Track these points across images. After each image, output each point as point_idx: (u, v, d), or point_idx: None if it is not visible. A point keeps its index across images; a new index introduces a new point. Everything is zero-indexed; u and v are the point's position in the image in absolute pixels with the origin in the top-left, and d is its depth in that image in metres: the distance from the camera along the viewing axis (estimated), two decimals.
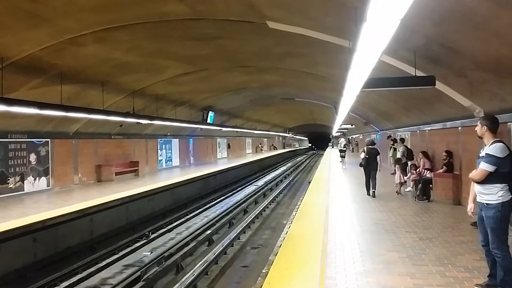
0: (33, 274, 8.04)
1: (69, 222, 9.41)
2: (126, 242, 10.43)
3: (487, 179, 3.95)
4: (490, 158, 3.95)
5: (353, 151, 34.58)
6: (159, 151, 20.72)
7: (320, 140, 76.63)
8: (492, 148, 3.98)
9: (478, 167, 4.03)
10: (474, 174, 4.08)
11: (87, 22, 7.50)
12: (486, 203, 3.98)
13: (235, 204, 16.01)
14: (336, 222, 7.58)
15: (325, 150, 51.11)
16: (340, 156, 22.34)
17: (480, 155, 4.09)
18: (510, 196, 3.89)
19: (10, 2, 6.30)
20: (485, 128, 4.12)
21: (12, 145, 11.88)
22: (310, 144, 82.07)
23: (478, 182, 4.02)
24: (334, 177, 15.82)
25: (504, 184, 3.89)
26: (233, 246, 10.10)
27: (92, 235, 10.37)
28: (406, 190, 11.08)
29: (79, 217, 9.77)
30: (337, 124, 24.84)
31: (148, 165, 19.26)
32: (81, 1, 6.55)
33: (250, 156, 35.86)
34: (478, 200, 4.09)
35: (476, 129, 4.19)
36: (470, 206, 4.34)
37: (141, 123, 15.26)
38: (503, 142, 4.00)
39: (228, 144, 33.35)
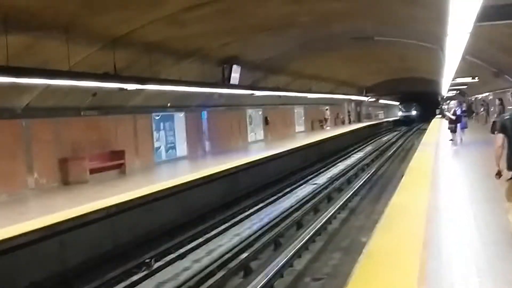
0: None
1: None
2: None
3: None
4: None
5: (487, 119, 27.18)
6: (154, 133, 17.44)
7: (421, 105, 60.19)
8: None
9: None
10: None
11: None
12: None
13: None
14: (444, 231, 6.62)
15: (429, 122, 40.52)
16: (449, 129, 18.00)
17: None
18: None
19: None
20: None
21: None
22: (402, 113, 64.68)
23: None
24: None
25: None
26: None
27: None
28: None
29: None
30: (447, 78, 21.41)
31: (138, 156, 16.27)
32: None
33: (302, 137, 29.79)
34: None
35: None
36: None
37: (126, 90, 12.68)
38: None
39: (266, 118, 27.21)
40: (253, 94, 19.90)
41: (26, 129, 12.44)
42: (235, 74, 17.16)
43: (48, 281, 9.21)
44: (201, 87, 15.57)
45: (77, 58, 11.48)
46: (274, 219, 13.78)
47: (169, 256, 10.71)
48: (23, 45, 9.98)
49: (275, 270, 8.85)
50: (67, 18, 10.04)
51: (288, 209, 15.03)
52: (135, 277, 9.50)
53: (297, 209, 14.83)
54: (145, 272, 9.77)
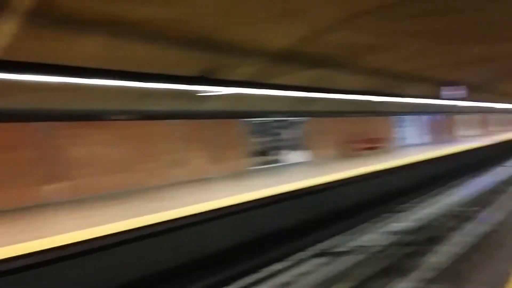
0: None
1: None
2: None
3: None
4: None
5: None
6: (396, 128, 22.85)
7: None
8: None
9: None
10: None
11: (333, 12, 8.72)
12: None
13: None
14: None
15: None
16: None
17: None
18: None
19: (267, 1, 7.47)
20: None
21: (274, 124, 15.67)
22: None
23: None
24: None
25: None
26: None
27: None
28: None
29: None
30: None
31: (387, 142, 21.58)
32: None
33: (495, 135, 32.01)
34: None
35: None
36: None
37: (374, 101, 16.88)
38: None
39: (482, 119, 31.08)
40: (455, 105, 22.93)
41: (320, 123, 17.02)
42: (447, 92, 20.99)
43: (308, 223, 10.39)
44: (425, 99, 18.96)
45: (346, 83, 14.38)
46: (479, 190, 15.37)
47: (405, 204, 12.98)
48: (316, 76, 13.20)
49: (486, 219, 10.65)
50: (343, 59, 12.58)
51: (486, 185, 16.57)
52: (386, 215, 11.88)
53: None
54: (397, 214, 11.83)
